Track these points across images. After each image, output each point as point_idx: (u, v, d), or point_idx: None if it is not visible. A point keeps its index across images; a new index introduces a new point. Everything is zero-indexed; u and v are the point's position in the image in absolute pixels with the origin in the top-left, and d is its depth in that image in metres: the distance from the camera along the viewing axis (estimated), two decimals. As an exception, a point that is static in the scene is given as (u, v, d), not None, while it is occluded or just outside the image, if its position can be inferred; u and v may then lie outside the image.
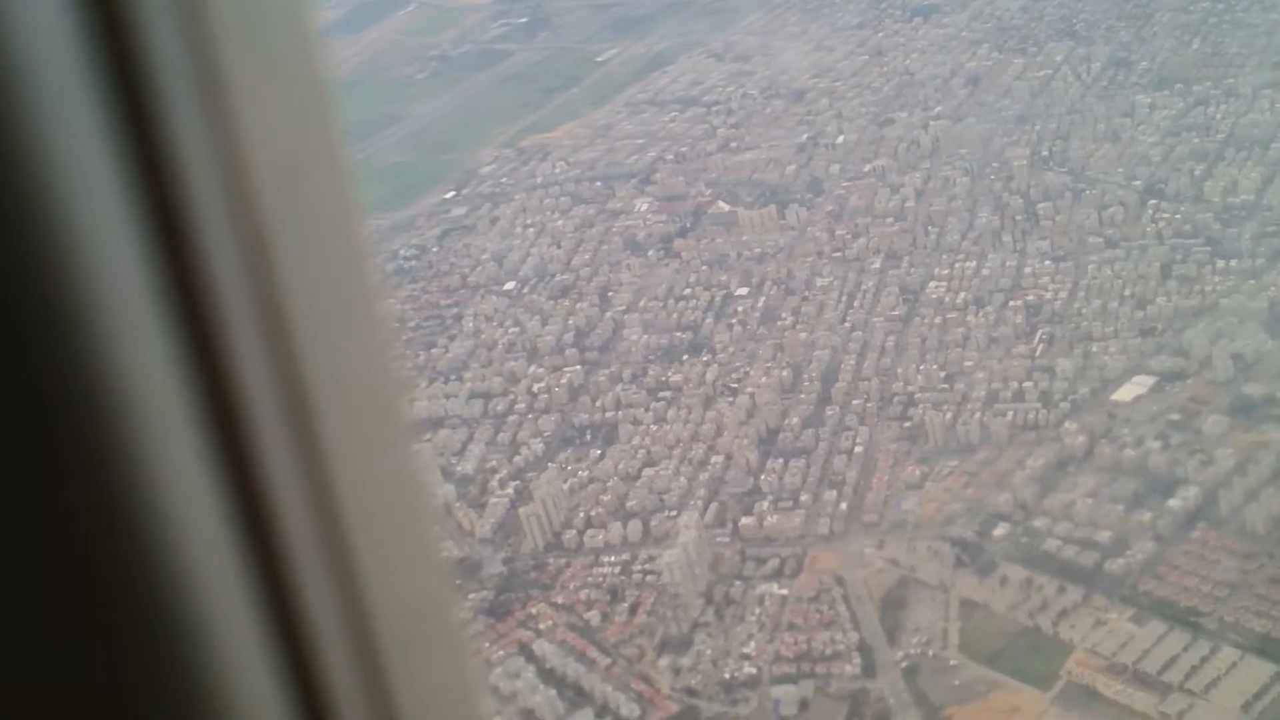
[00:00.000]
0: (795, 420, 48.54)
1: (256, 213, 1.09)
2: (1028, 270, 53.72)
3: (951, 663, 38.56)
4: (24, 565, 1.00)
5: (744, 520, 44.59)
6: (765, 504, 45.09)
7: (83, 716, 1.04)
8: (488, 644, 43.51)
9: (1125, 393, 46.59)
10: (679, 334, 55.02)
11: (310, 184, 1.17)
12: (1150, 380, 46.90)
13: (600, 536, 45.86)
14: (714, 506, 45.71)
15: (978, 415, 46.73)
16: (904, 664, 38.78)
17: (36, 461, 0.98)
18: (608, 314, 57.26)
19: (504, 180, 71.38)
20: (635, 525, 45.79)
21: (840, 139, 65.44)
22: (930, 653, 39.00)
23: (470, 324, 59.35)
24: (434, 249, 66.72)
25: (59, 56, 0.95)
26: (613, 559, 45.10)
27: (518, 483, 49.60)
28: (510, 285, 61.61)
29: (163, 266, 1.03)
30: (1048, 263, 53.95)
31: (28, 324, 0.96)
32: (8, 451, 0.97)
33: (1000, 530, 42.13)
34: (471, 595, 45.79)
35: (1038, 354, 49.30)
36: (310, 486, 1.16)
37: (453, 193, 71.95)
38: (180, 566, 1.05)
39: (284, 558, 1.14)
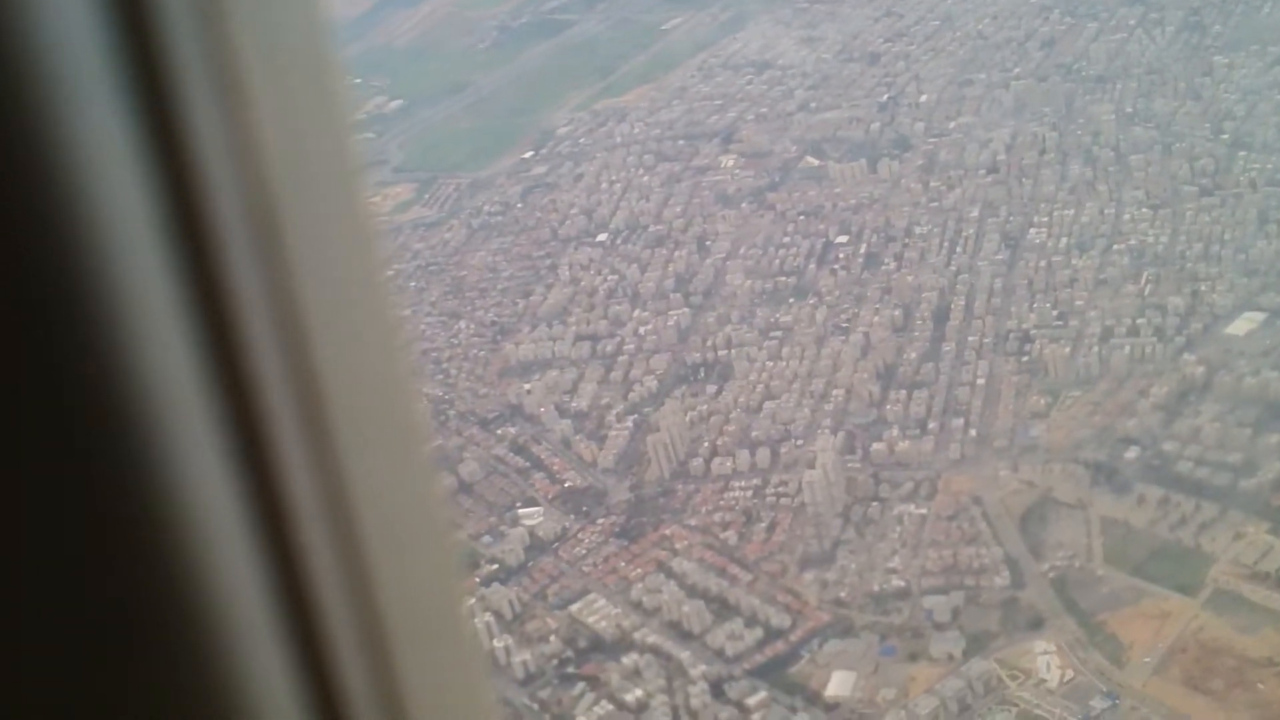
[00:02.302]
0: (912, 355, 49.64)
1: (271, 207, 1.11)
2: (1126, 217, 54.90)
3: (1099, 573, 39.67)
4: (43, 565, 1.01)
5: (874, 446, 45.62)
6: (893, 432, 46.14)
7: (101, 716, 1.06)
8: (623, 564, 44.50)
9: (1237, 328, 47.77)
10: (782, 279, 56.04)
11: (322, 178, 1.21)
12: (1261, 316, 48.08)
13: (728, 464, 46.82)
14: (840, 435, 46.69)
15: (1095, 349, 47.88)
16: (1051, 575, 39.87)
17: (58, 461, 0.99)
18: (708, 261, 58.26)
19: (582, 141, 72.31)
20: (764, 453, 46.76)
21: (923, 98, 66.57)
22: (1076, 564, 40.09)
23: (566, 273, 60.26)
24: (518, 205, 67.63)
25: (85, 52, 0.97)
26: (743, 484, 46.06)
27: (635, 417, 50.62)
28: (602, 237, 62.53)
29: (183, 262, 1.04)
30: (1145, 210, 55.14)
31: (53, 320, 0.97)
32: (29, 449, 0.99)
33: (1131, 453, 43.24)
34: (600, 521, 46.80)
35: (1147, 293, 50.45)
36: (324, 484, 1.17)
37: (531, 153, 72.84)
38: (200, 566, 1.06)
39: (300, 557, 1.16)
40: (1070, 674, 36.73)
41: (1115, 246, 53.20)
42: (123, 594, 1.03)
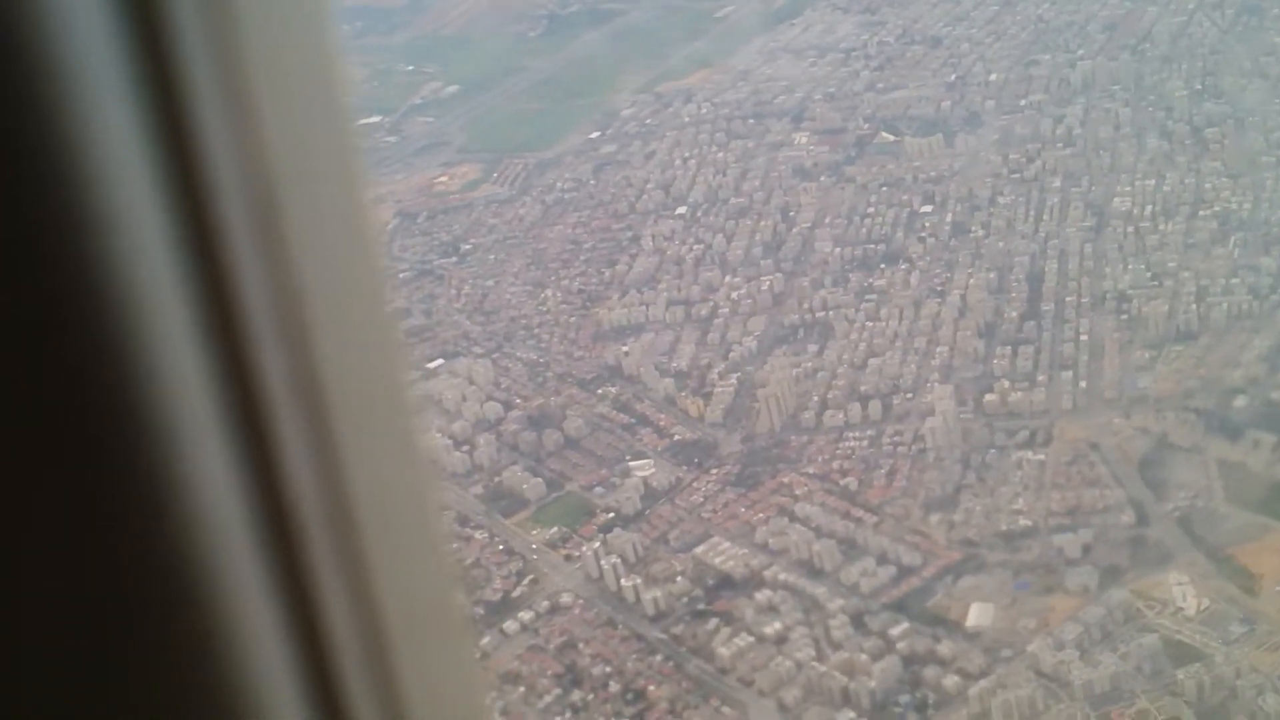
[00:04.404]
0: (1013, 315, 50.89)
1: (275, 206, 1.13)
2: (1207, 186, 56.31)
3: (1221, 511, 40.92)
4: (49, 559, 1.03)
5: (986, 398, 46.84)
6: (1003, 384, 47.37)
7: (106, 714, 1.08)
8: (743, 509, 45.55)
9: (1330, 287, 49.22)
10: (871, 246, 57.25)
11: (324, 178, 1.24)
12: (1353, 276, 49.56)
13: (840, 416, 47.95)
14: (951, 387, 47.88)
15: (1193, 307, 49.23)
16: (1175, 514, 41.09)
17: (67, 456, 1.02)
18: (794, 230, 59.43)
19: (648, 121, 73.35)
20: (875, 405, 47.92)
21: (992, 77, 68.02)
22: (1199, 503, 41.33)
23: (650, 243, 61.30)
24: (591, 182, 68.62)
25: (98, 54, 1.00)
26: (857, 435, 47.19)
27: (739, 374, 51.71)
28: (682, 210, 63.58)
29: (191, 258, 1.07)
30: (1225, 180, 56.58)
31: (66, 315, 0.99)
32: (39, 444, 1.01)
33: (1240, 402, 44.55)
34: (714, 471, 47.87)
35: (1236, 255, 51.84)
36: (325, 483, 1.20)
37: (597, 133, 73.82)
38: (205, 561, 1.08)
39: (302, 555, 1.18)
40: (1206, 602, 37.94)
41: (1200, 213, 54.61)
42: (127, 588, 1.06)
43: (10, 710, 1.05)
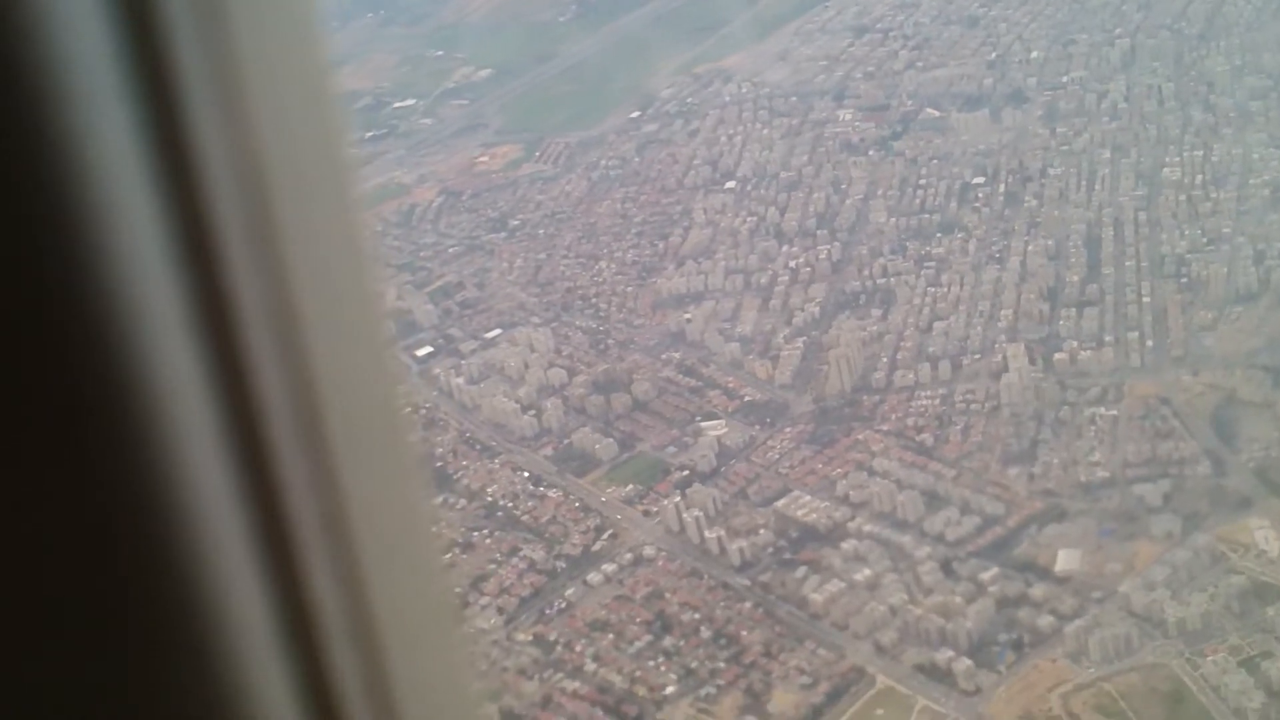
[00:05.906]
0: (1074, 279, 51.96)
1: (270, 212, 1.14)
2: (1255, 156, 57.47)
3: (1297, 461, 42.06)
4: (48, 559, 1.04)
5: (1056, 356, 47.89)
6: (1072, 344, 48.44)
7: (103, 709, 1.09)
8: (820, 465, 46.47)
9: (1385, 251, 50.41)
10: (926, 216, 58.29)
11: (316, 184, 1.25)
12: (1406, 240, 50.77)
13: (910, 376, 48.98)
14: (1021, 347, 48.89)
15: (1251, 270, 50.37)
16: (1251, 464, 42.19)
17: (61, 454, 1.03)
18: (847, 202, 60.43)
19: (689, 100, 74.25)
20: (944, 365, 48.93)
21: (1032, 55, 69.16)
22: (1274, 454, 42.42)
23: (702, 216, 62.23)
24: (635, 159, 69.47)
25: (95, 60, 1.02)
26: (929, 394, 48.21)
27: (804, 339, 52.67)
28: (731, 184, 64.54)
29: (186, 263, 1.08)
30: (1272, 150, 57.79)
31: (60, 313, 1.00)
32: (33, 442, 1.01)
33: (1306, 359, 45.75)
34: (787, 430, 48.81)
35: (1290, 222, 53.10)
36: (318, 487, 1.20)
37: (638, 113, 74.67)
38: (200, 562, 1.09)
39: (296, 558, 1.19)
40: (1288, 546, 39.08)
41: (1251, 181, 55.81)
42: (123, 588, 1.09)
43: (8, 709, 1.08)
